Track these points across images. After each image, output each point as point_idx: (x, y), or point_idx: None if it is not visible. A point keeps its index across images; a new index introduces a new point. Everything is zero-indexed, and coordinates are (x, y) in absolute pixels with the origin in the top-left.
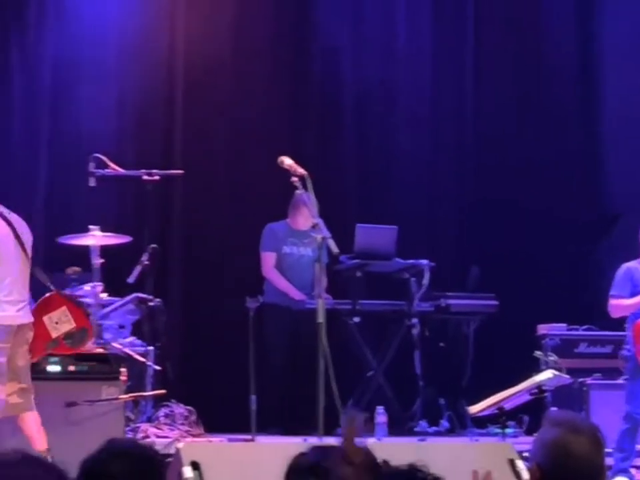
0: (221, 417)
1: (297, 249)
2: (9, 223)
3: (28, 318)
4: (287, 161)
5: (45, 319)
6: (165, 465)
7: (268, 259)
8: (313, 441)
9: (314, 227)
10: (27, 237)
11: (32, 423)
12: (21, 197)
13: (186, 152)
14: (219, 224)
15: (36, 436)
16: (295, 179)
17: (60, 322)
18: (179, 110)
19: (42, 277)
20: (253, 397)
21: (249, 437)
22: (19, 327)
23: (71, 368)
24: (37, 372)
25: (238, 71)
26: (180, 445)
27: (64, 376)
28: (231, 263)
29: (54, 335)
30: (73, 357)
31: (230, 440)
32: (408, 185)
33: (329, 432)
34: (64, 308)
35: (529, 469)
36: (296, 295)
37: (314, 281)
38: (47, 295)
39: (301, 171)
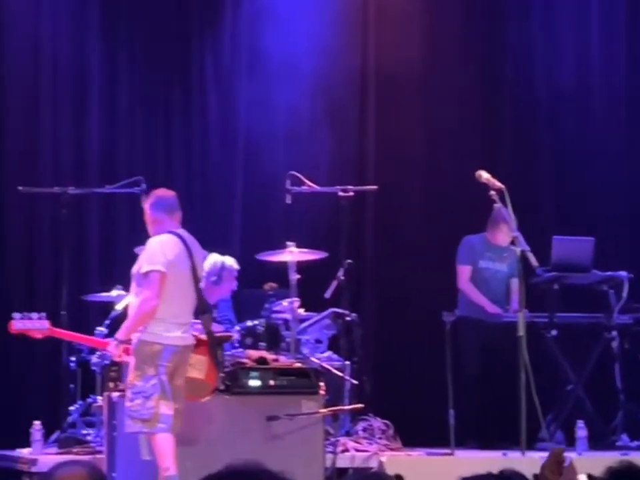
0: (418, 431)
1: (492, 264)
2: (186, 245)
3: (190, 340)
4: (485, 175)
5: None
6: None
7: (464, 272)
8: (514, 455)
9: (513, 240)
10: (200, 260)
11: (171, 444)
12: (219, 215)
13: (379, 167)
14: (413, 238)
15: (171, 458)
16: (492, 192)
17: (192, 366)
18: (371, 126)
19: (208, 323)
20: (451, 411)
21: (447, 450)
22: (184, 348)
23: (271, 382)
24: (238, 386)
25: (430, 85)
26: (383, 458)
27: (264, 390)
28: (425, 277)
29: None
30: (273, 371)
31: (428, 454)
32: (605, 195)
33: (530, 446)
34: (205, 358)
35: None
36: (491, 308)
37: (507, 296)
38: (204, 337)
39: (498, 184)
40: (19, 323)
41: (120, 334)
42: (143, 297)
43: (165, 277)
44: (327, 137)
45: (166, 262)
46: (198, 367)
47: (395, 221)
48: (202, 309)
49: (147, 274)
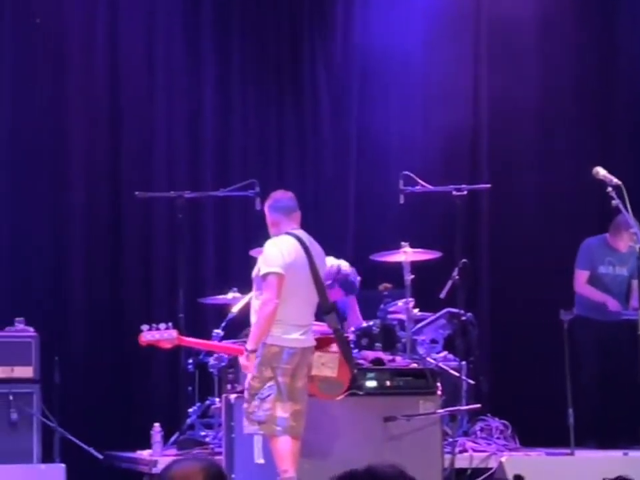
0: (537, 431)
1: (612, 269)
2: (304, 246)
3: (310, 342)
4: (602, 172)
5: (315, 354)
6: None
7: (581, 277)
8: (635, 454)
9: (632, 238)
10: (322, 265)
11: (294, 449)
12: (333, 217)
13: (493, 165)
14: (528, 235)
15: (293, 460)
16: (609, 189)
17: (325, 364)
18: (484, 124)
19: (334, 322)
20: (570, 411)
21: (567, 450)
22: (302, 350)
23: (388, 383)
24: (355, 387)
25: (543, 82)
26: (503, 458)
27: (381, 391)
28: (541, 275)
29: (314, 372)
30: (389, 372)
31: (547, 454)
32: None
33: None
34: (337, 355)
35: None
36: (612, 304)
37: (627, 299)
38: (331, 335)
39: (615, 181)
40: (148, 335)
41: (249, 344)
42: (262, 299)
43: (283, 279)
44: (440, 136)
45: (283, 264)
46: (330, 366)
47: (510, 218)
48: (326, 309)
49: (265, 276)
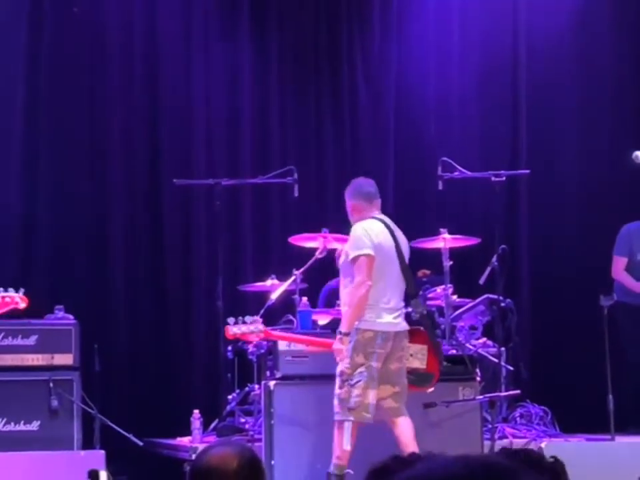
0: (577, 417)
1: None
2: (393, 235)
3: (403, 326)
4: None
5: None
6: None
7: (619, 263)
8: None
9: None
10: (406, 250)
11: (406, 428)
12: None
13: (532, 151)
14: (567, 221)
15: (410, 442)
16: None
17: (414, 356)
18: (523, 109)
19: (418, 307)
20: (610, 397)
21: (607, 436)
22: (396, 334)
23: None
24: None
25: (582, 65)
26: (543, 444)
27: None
28: (580, 261)
29: None
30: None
31: (588, 440)
32: None
33: None
34: (425, 347)
35: None
36: None
37: None
38: (418, 327)
39: None
40: (235, 328)
41: (343, 327)
42: (355, 283)
43: (373, 261)
44: (479, 122)
45: (372, 246)
46: (419, 357)
47: (549, 204)
48: (412, 294)
49: (355, 259)
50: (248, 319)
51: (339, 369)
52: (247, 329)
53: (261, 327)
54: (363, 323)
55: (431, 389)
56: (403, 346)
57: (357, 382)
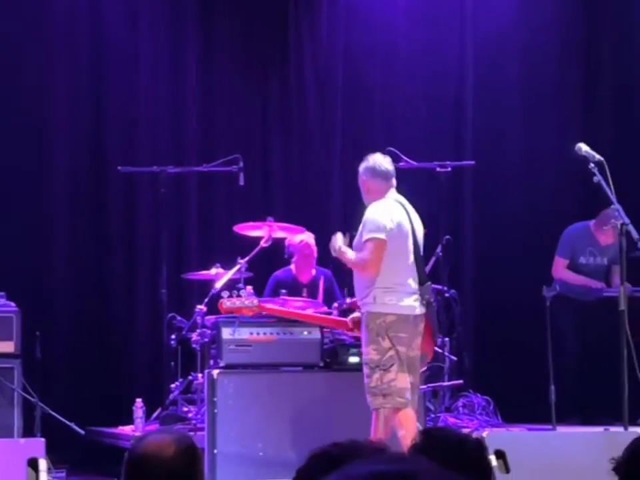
0: (519, 407)
1: (593, 260)
2: (409, 217)
3: (422, 309)
4: (584, 148)
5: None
6: None
7: (559, 264)
8: (616, 430)
9: (615, 232)
10: (420, 235)
11: (412, 420)
12: (318, 193)
13: (477, 142)
14: (511, 213)
15: (411, 435)
16: (591, 165)
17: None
18: (469, 101)
19: (428, 293)
20: (552, 387)
21: (548, 427)
22: (415, 318)
23: None
24: (338, 363)
25: (527, 59)
26: (484, 433)
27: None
28: (524, 252)
29: None
30: None
31: (529, 430)
32: None
33: (633, 421)
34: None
35: None
36: (594, 283)
37: (607, 283)
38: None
39: (598, 157)
40: (228, 302)
41: (345, 254)
42: (362, 256)
43: (385, 245)
44: (425, 113)
45: (389, 229)
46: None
47: (493, 195)
48: (422, 279)
49: (368, 242)
50: (242, 292)
51: (366, 357)
52: (241, 303)
53: (256, 301)
54: (383, 307)
55: (423, 368)
56: (420, 331)
57: (390, 365)
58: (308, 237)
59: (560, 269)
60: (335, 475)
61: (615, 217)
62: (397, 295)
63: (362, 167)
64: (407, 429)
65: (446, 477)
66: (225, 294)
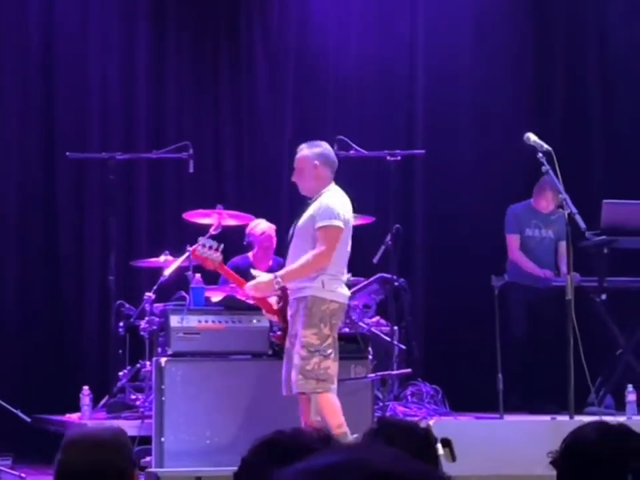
0: (467, 396)
1: (538, 232)
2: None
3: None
4: (532, 137)
5: None
6: None
7: (513, 241)
8: (562, 419)
9: (560, 204)
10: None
11: (338, 407)
12: (267, 182)
13: (427, 131)
14: (461, 202)
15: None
16: (540, 155)
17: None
18: (420, 90)
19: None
20: (500, 376)
21: (496, 415)
22: (345, 305)
23: None
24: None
25: (479, 50)
26: (431, 421)
27: None
28: (473, 241)
29: None
30: None
31: (477, 418)
32: None
33: (579, 410)
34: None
35: None
36: (541, 273)
37: (555, 262)
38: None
39: (546, 147)
40: (201, 249)
41: (284, 278)
42: (319, 251)
43: (341, 233)
44: (376, 102)
45: (344, 219)
46: None
47: (444, 185)
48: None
49: (325, 228)
50: (214, 244)
51: (303, 340)
52: (209, 254)
53: (219, 258)
54: (329, 294)
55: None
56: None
57: (330, 353)
58: (269, 229)
59: (514, 248)
60: (298, 466)
61: (551, 183)
62: (339, 283)
63: (313, 151)
64: (337, 410)
65: (405, 464)
66: (201, 240)
